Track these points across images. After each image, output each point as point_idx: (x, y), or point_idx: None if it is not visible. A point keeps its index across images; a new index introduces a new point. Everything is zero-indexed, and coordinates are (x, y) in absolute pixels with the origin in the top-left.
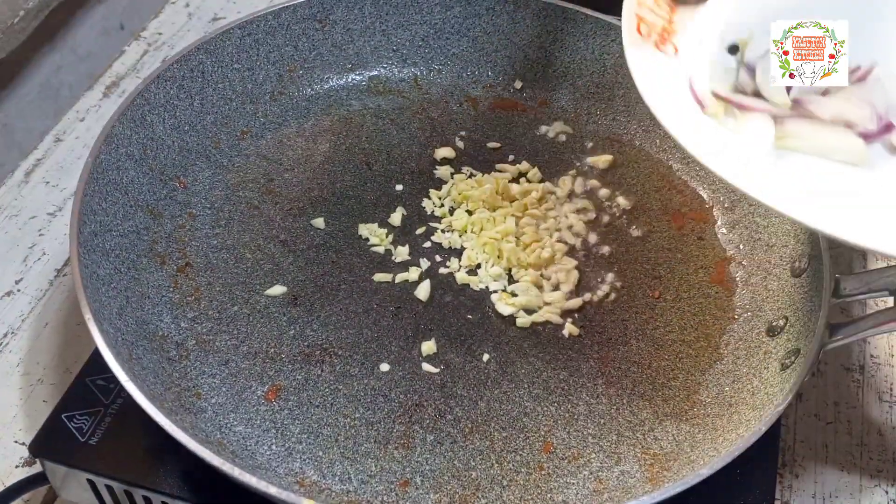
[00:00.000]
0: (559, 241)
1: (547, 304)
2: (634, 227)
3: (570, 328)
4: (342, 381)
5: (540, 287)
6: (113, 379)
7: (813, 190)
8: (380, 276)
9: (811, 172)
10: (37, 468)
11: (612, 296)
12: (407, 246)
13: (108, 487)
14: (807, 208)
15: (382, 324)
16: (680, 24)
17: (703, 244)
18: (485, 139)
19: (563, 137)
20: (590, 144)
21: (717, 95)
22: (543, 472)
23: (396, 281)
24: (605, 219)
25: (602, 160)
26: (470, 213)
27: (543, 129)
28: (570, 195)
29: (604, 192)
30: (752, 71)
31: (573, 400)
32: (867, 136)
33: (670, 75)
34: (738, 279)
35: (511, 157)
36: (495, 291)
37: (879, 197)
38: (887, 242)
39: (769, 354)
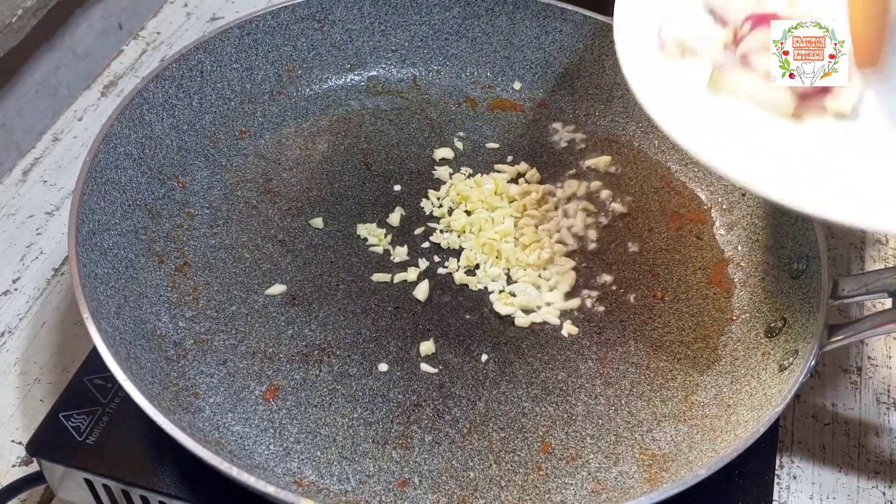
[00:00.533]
0: (558, 241)
1: (546, 304)
2: (632, 228)
3: (568, 328)
4: (340, 381)
5: (538, 287)
6: (111, 378)
7: (736, 136)
8: (378, 277)
9: (742, 123)
10: (34, 467)
11: (611, 297)
12: (405, 246)
13: (106, 487)
14: (719, 152)
15: (381, 324)
16: None
17: (701, 245)
18: (483, 140)
19: (564, 143)
20: (588, 146)
21: (680, 42)
22: (541, 473)
23: (395, 281)
24: (604, 220)
25: (600, 161)
26: (468, 213)
27: (554, 128)
28: (569, 196)
29: (602, 193)
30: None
31: (571, 400)
32: (804, 96)
33: (649, 21)
34: (736, 280)
35: (510, 158)
36: (493, 292)
37: (806, 157)
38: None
39: (767, 355)
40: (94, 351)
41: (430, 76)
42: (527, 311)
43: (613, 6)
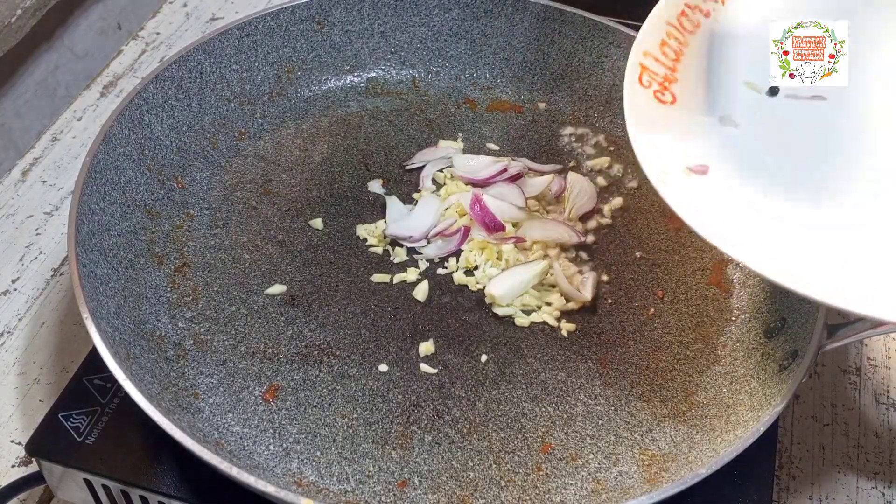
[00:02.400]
0: (557, 242)
1: (545, 304)
2: (632, 228)
3: (566, 326)
4: (340, 381)
5: (538, 288)
6: (110, 378)
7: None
8: (378, 277)
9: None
10: (33, 468)
11: (610, 297)
12: (405, 247)
13: (105, 487)
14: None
15: (380, 324)
16: (683, 72)
17: (700, 246)
18: (483, 141)
19: (564, 144)
20: (588, 146)
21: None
22: (541, 473)
23: (394, 281)
24: (603, 220)
25: (600, 162)
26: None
27: (554, 129)
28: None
29: (601, 193)
30: None
31: (571, 401)
32: None
33: (662, 122)
34: (735, 281)
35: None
36: None
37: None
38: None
39: (767, 356)
40: (94, 351)
41: (430, 77)
42: (526, 312)
43: (610, 7)
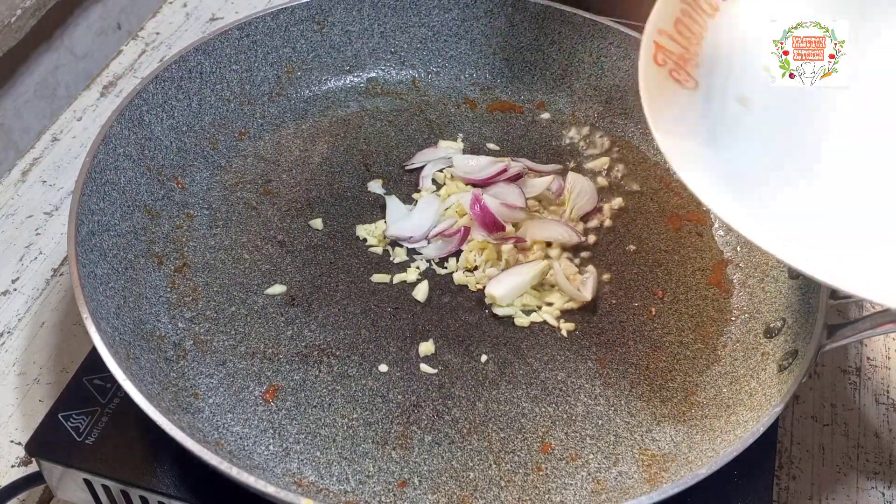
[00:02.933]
0: (558, 242)
1: (545, 304)
2: (632, 229)
3: (565, 325)
4: (340, 381)
5: (538, 288)
6: (110, 378)
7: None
8: (378, 277)
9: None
10: (33, 468)
11: (610, 297)
12: (405, 247)
13: (105, 487)
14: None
15: (380, 324)
16: (700, 53)
17: (700, 246)
18: (483, 141)
19: (563, 145)
20: (588, 147)
21: None
22: (541, 473)
23: (394, 282)
24: (603, 220)
25: (599, 163)
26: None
27: (554, 130)
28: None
29: (601, 193)
30: None
31: (571, 401)
32: None
33: (681, 104)
34: (735, 281)
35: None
36: None
37: None
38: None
39: (767, 356)
40: (94, 351)
41: (430, 78)
42: (526, 312)
43: (610, 8)
